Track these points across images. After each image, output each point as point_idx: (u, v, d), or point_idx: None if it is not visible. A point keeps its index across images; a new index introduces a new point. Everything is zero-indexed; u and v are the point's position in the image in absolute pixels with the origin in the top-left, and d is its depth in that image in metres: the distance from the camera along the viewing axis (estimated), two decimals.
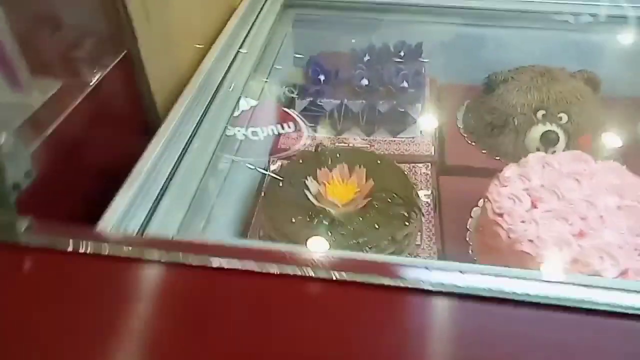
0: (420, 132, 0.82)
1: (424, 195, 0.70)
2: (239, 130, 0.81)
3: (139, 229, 0.45)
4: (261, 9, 0.86)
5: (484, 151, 0.80)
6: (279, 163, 0.76)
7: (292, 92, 0.83)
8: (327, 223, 0.57)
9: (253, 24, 0.82)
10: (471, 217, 0.69)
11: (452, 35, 0.95)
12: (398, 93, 0.77)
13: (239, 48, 0.76)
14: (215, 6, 0.79)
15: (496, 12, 0.91)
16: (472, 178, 0.75)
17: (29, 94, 0.47)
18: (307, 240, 0.56)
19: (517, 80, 0.79)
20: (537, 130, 0.75)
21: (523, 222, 0.57)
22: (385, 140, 0.81)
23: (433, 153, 0.78)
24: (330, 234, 0.56)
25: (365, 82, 0.78)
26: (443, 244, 0.66)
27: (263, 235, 0.63)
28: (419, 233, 0.65)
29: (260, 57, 0.80)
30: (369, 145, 0.80)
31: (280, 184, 0.64)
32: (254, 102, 0.83)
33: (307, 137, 0.82)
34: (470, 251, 0.65)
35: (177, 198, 0.51)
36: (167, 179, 0.52)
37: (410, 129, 0.80)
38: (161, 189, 0.50)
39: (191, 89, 0.63)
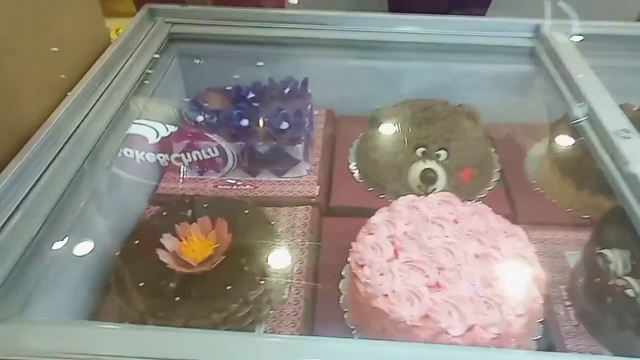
0: (307, 171, 0.80)
1: (300, 242, 0.68)
2: (161, 157, 0.78)
3: None
4: (141, 42, 0.83)
5: (370, 189, 0.79)
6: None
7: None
8: (174, 287, 0.54)
9: (131, 58, 0.78)
10: (347, 262, 0.68)
11: (349, 68, 0.95)
12: (278, 134, 0.75)
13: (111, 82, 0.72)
14: (82, 44, 0.75)
15: (389, 44, 0.91)
16: (356, 219, 0.73)
17: None
18: (154, 308, 0.53)
19: (399, 115, 0.79)
20: (417, 168, 0.75)
21: (382, 274, 0.56)
22: (270, 182, 0.78)
23: (316, 194, 0.76)
24: (177, 299, 0.53)
25: (245, 122, 0.76)
26: (315, 296, 0.64)
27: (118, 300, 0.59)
28: (287, 285, 0.62)
29: (138, 91, 0.76)
30: (252, 187, 0.78)
31: (137, 240, 0.61)
32: (173, 128, 0.80)
33: (230, 165, 0.79)
34: (340, 301, 0.63)
35: None
36: None
37: (295, 169, 0.78)
38: None
39: (39, 134, 0.59)
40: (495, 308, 0.51)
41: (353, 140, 0.89)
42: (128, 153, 0.72)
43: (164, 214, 0.64)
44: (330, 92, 0.96)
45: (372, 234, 0.61)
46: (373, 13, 0.96)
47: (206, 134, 0.77)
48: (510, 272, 0.55)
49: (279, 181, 0.78)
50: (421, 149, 0.75)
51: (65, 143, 0.62)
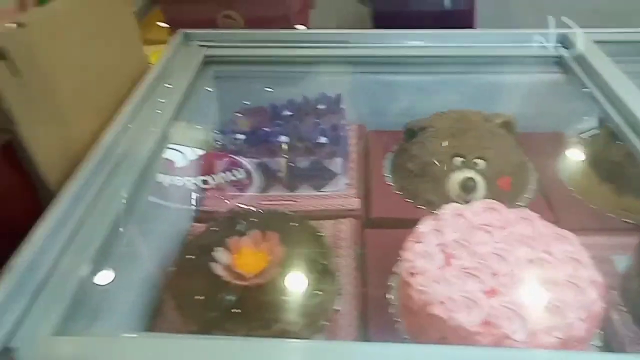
0: (346, 184, 0.81)
1: (346, 254, 0.69)
2: (188, 180, 0.79)
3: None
4: (177, 65, 0.85)
5: (408, 200, 0.79)
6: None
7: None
8: (232, 300, 0.54)
9: (170, 81, 0.81)
10: (394, 273, 0.68)
11: (377, 84, 0.97)
12: (317, 148, 0.76)
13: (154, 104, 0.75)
14: (124, 69, 0.77)
15: (416, 59, 0.93)
16: (397, 230, 0.74)
17: None
18: (213, 320, 0.53)
19: (434, 127, 0.80)
20: (456, 177, 0.75)
21: (435, 281, 0.56)
22: (309, 196, 0.79)
23: (358, 206, 0.77)
24: (235, 311, 0.53)
25: (283, 138, 0.77)
26: (365, 306, 0.64)
27: (173, 314, 0.60)
28: (339, 296, 0.62)
29: (178, 113, 0.78)
30: (293, 202, 0.78)
31: (190, 256, 0.61)
32: (200, 152, 0.82)
33: (256, 185, 0.80)
34: (392, 312, 0.63)
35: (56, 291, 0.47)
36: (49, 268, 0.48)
37: (334, 183, 0.79)
38: (40, 281, 0.47)
39: (92, 156, 0.61)
40: (556, 312, 0.51)
41: (386, 153, 0.90)
42: (162, 177, 0.73)
43: (214, 229, 0.65)
44: (360, 108, 0.97)
45: (420, 242, 0.62)
46: (396, 30, 0.98)
47: (232, 155, 0.78)
48: (567, 275, 0.55)
49: (319, 195, 0.79)
50: (459, 159, 0.76)
51: (115, 166, 0.63)
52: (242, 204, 0.79)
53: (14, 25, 0.53)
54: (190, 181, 0.78)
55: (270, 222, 0.65)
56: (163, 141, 0.73)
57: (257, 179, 0.79)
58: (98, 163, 0.61)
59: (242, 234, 0.62)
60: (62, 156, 0.60)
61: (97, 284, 0.54)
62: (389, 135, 0.94)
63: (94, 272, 0.53)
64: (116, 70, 0.76)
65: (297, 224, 0.65)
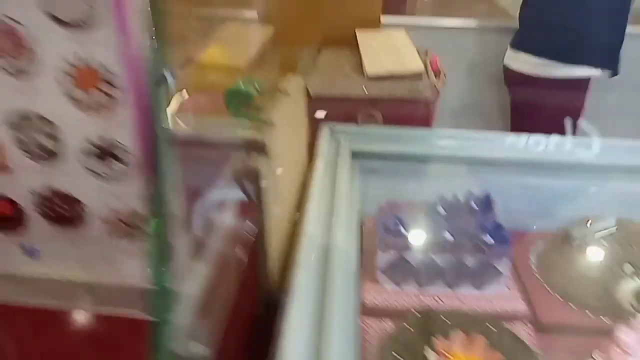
0: (507, 285, 0.80)
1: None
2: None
3: None
4: (336, 162, 0.90)
5: (571, 305, 0.78)
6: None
7: None
8: None
9: (333, 177, 0.85)
10: None
11: (515, 185, 1.00)
12: (484, 247, 0.78)
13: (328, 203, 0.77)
14: (298, 167, 0.82)
15: (558, 164, 0.97)
16: (570, 336, 0.73)
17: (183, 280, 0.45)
18: None
19: (597, 231, 0.81)
20: (628, 285, 0.75)
21: None
22: (472, 296, 0.79)
23: (525, 310, 0.76)
24: None
25: (449, 235, 0.79)
26: None
27: None
28: None
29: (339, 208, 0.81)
30: (457, 300, 0.78)
31: (394, 352, 0.60)
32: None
33: None
34: None
35: None
36: None
37: (497, 283, 0.79)
38: None
39: (302, 257, 0.62)
40: None
41: (535, 257, 0.89)
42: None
43: (409, 328, 0.64)
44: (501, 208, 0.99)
45: (629, 353, 0.60)
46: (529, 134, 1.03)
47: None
48: None
49: (481, 296, 0.79)
50: (629, 266, 0.76)
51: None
52: (403, 299, 0.78)
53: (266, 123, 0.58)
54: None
55: (465, 322, 0.64)
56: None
57: None
58: (307, 256, 0.63)
59: (445, 335, 0.61)
60: (280, 244, 0.62)
61: None
62: (532, 237, 0.95)
63: None
64: (296, 157, 0.81)
65: (494, 327, 0.64)
